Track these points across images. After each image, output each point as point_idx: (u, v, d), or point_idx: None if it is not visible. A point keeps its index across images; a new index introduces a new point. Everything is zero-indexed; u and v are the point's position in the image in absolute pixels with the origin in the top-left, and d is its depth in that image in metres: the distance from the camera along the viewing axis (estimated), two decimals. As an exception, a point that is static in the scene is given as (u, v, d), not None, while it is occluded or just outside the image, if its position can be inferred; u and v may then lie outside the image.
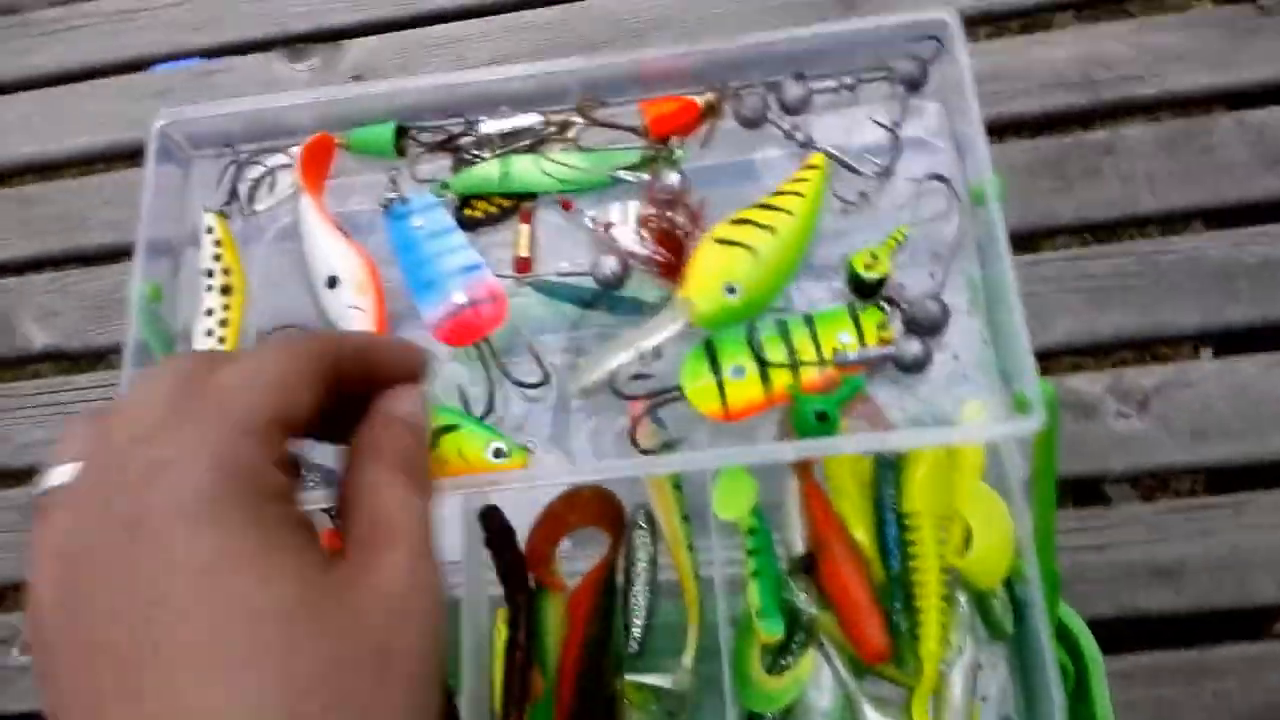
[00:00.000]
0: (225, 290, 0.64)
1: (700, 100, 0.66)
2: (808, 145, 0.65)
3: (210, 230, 0.64)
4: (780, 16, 1.02)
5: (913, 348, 0.58)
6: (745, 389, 0.58)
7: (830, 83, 0.65)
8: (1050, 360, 0.90)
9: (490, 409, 0.62)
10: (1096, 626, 0.72)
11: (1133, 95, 0.94)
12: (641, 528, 0.68)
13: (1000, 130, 0.97)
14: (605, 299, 0.63)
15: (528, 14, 1.07)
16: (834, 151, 0.63)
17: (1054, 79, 0.94)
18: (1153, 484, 0.91)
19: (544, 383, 0.62)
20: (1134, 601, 0.82)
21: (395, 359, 0.37)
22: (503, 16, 1.07)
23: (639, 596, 0.66)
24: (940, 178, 0.63)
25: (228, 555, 0.28)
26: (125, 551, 0.29)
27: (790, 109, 0.65)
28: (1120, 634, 0.85)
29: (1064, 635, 0.68)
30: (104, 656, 0.28)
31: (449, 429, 0.58)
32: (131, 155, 1.09)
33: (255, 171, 0.68)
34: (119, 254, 1.03)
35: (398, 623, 0.30)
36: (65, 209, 1.04)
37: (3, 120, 1.09)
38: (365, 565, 0.31)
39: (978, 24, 1.00)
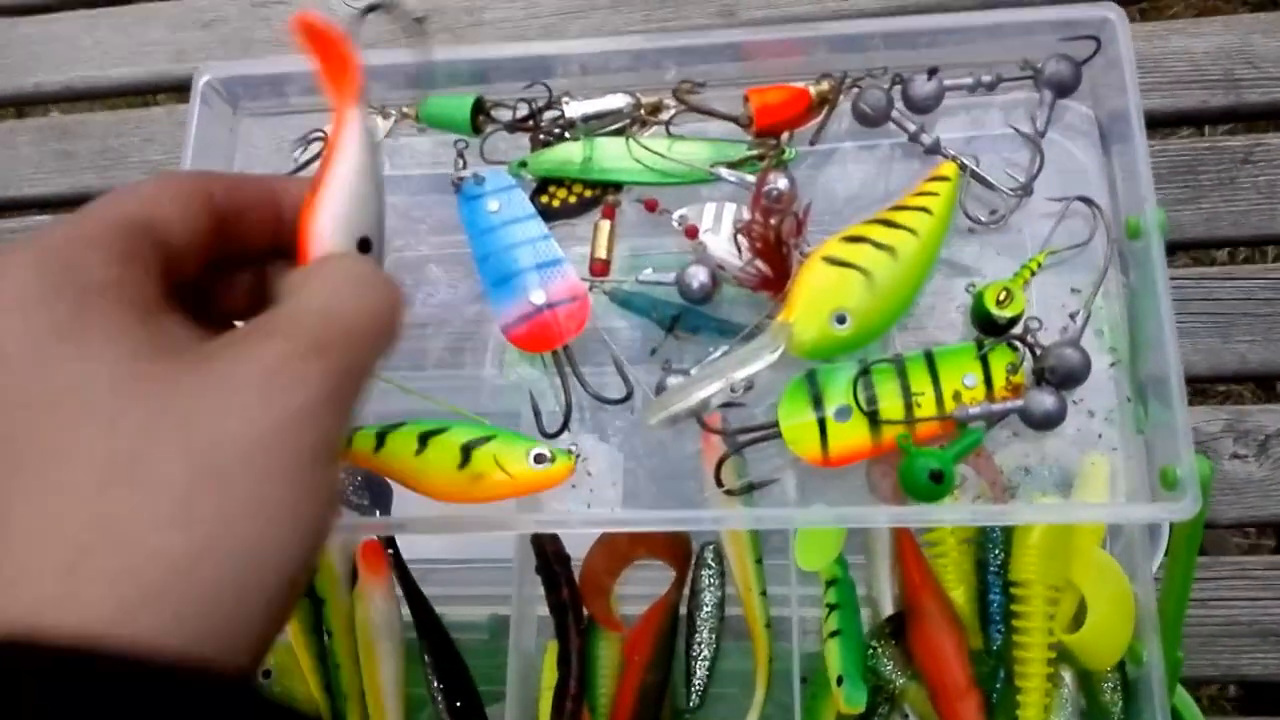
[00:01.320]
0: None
1: (813, 89, 0.58)
2: (935, 151, 0.57)
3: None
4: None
5: (1045, 403, 0.50)
6: (850, 433, 0.51)
7: (966, 80, 0.57)
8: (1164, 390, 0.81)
9: (565, 425, 0.55)
10: (1190, 685, 0.66)
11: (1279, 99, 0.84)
12: (709, 566, 0.61)
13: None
14: (689, 317, 0.56)
15: (608, -38, 0.98)
16: (970, 163, 0.55)
17: (1192, 74, 0.85)
18: (1266, 536, 0.82)
19: (628, 398, 0.56)
20: (1236, 663, 0.75)
21: (259, 192, 0.34)
22: (580, -37, 0.98)
23: (702, 644, 0.60)
24: (1088, 201, 0.55)
25: (44, 334, 0.26)
26: None
27: (917, 107, 0.57)
28: (1218, 696, 0.78)
29: None
30: None
31: (481, 440, 0.52)
32: (176, 89, 1.02)
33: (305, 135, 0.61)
34: (158, 196, 0.96)
35: (255, 412, 0.26)
36: (104, 145, 0.97)
37: (40, 42, 1.02)
38: (227, 354, 0.27)
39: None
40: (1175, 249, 0.83)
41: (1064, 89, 0.57)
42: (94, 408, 0.25)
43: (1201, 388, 0.83)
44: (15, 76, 1.01)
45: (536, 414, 0.55)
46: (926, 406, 0.51)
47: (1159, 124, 0.86)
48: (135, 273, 0.28)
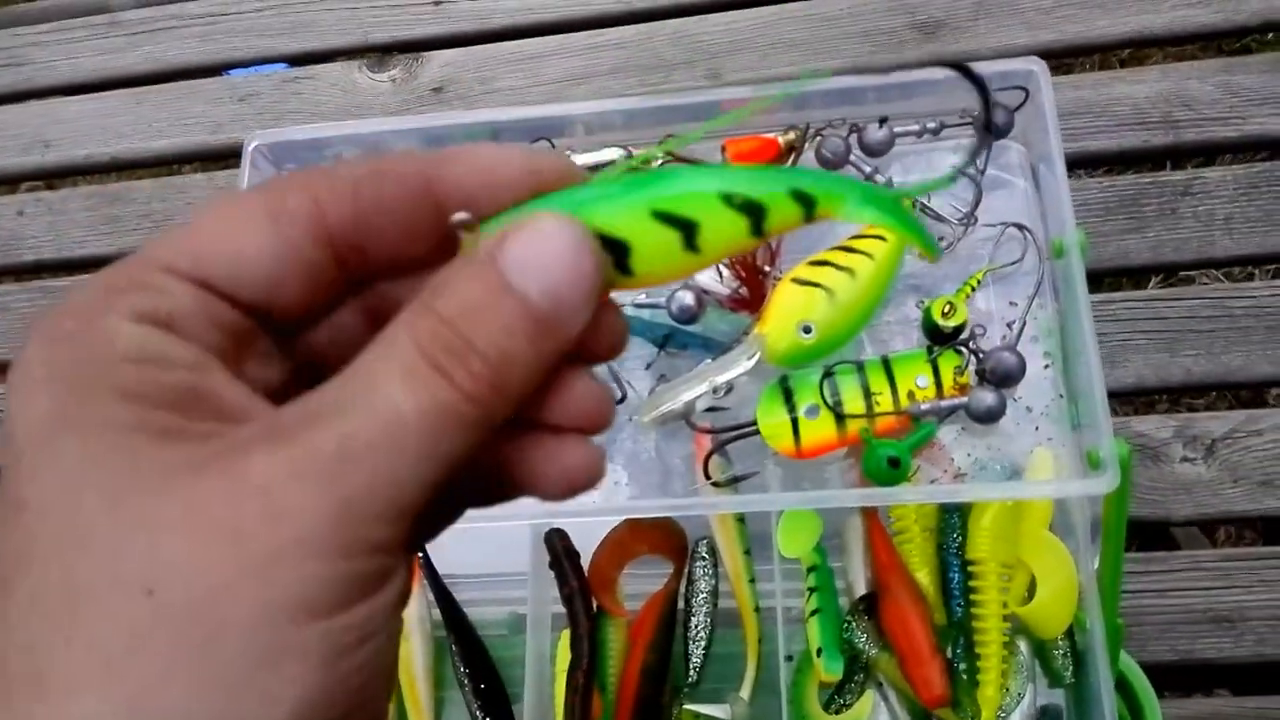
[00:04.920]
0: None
1: (781, 139, 0.67)
2: (889, 189, 0.65)
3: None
4: (857, 43, 1.02)
5: (987, 399, 0.58)
6: (819, 428, 0.59)
7: (914, 126, 0.66)
8: (1118, 401, 0.89)
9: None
10: (1154, 671, 0.72)
11: (1214, 137, 0.93)
12: (703, 558, 0.68)
13: (1076, 166, 0.97)
14: (677, 336, 0.64)
15: (605, 32, 1.08)
16: (919, 199, 0.63)
17: (1134, 117, 0.93)
18: (1216, 531, 0.90)
19: (620, 400, 0.64)
20: (1193, 648, 0.81)
21: (402, 187, 0.24)
22: (580, 34, 1.08)
23: (699, 628, 0.67)
24: (1021, 227, 0.64)
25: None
26: None
27: (872, 151, 0.66)
28: (1177, 680, 0.84)
29: (1122, 685, 0.68)
30: None
31: None
32: (215, 158, 1.12)
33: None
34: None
35: (267, 527, 0.20)
36: (149, 209, 1.07)
37: (90, 118, 1.12)
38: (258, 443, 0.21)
39: (1062, 57, 0.99)
40: (1124, 274, 0.92)
41: (1000, 132, 0.66)
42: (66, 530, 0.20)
43: (1152, 399, 0.90)
44: (68, 149, 1.11)
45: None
46: (884, 404, 0.59)
47: (1106, 162, 0.95)
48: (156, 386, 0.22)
